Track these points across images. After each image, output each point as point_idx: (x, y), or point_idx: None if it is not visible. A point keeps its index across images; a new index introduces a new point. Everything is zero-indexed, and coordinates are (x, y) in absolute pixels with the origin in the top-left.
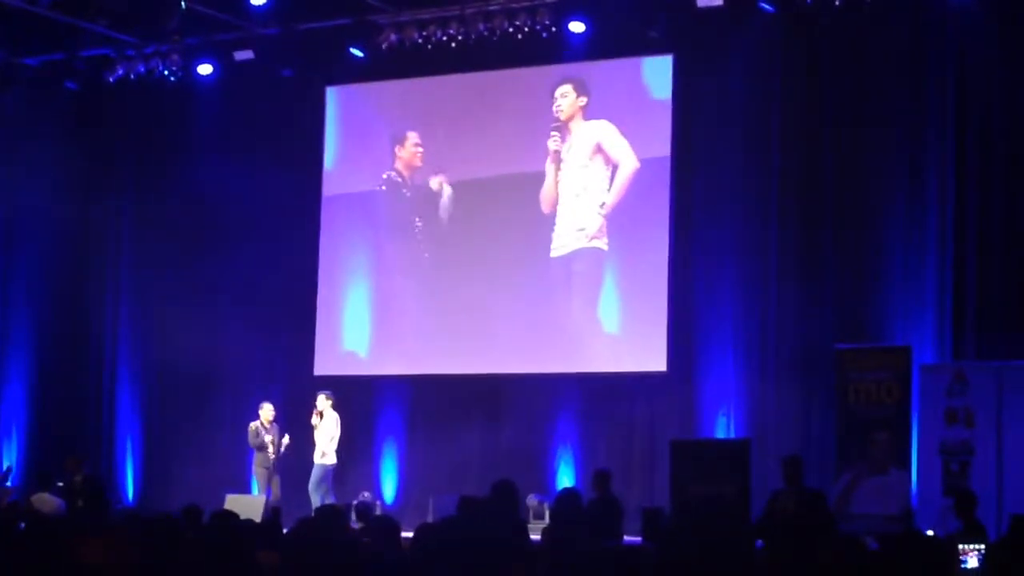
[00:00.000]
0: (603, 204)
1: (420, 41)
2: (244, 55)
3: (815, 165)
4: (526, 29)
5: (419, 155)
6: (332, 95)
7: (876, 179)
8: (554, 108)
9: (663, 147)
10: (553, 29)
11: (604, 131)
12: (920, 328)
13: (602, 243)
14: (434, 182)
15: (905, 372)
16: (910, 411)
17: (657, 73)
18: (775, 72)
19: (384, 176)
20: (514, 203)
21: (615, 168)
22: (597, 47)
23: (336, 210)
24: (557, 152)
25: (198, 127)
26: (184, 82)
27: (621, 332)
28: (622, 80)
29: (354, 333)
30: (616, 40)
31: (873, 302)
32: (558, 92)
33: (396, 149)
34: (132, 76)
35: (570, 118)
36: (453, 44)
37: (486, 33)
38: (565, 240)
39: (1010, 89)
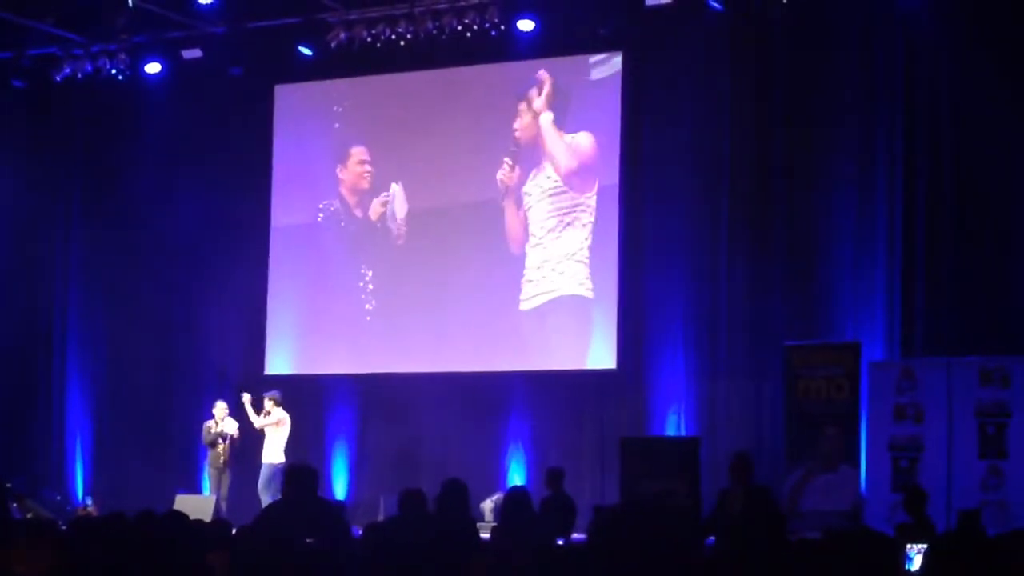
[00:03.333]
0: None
1: (369, 40)
2: (192, 54)
3: (765, 162)
4: (475, 27)
5: (366, 175)
6: (281, 94)
7: (825, 176)
8: (515, 128)
9: (613, 145)
10: (502, 27)
11: (583, 148)
12: (869, 325)
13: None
14: (378, 203)
15: (854, 369)
16: (859, 407)
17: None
18: (724, 70)
19: (320, 205)
20: (470, 210)
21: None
22: (546, 45)
23: (287, 212)
24: (503, 182)
25: (147, 125)
26: (132, 81)
27: (571, 329)
28: (579, 83)
29: (305, 332)
30: (565, 38)
31: (822, 299)
32: (518, 112)
33: (338, 170)
34: (79, 75)
35: (532, 140)
36: (402, 43)
37: (435, 31)
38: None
39: (959, 86)
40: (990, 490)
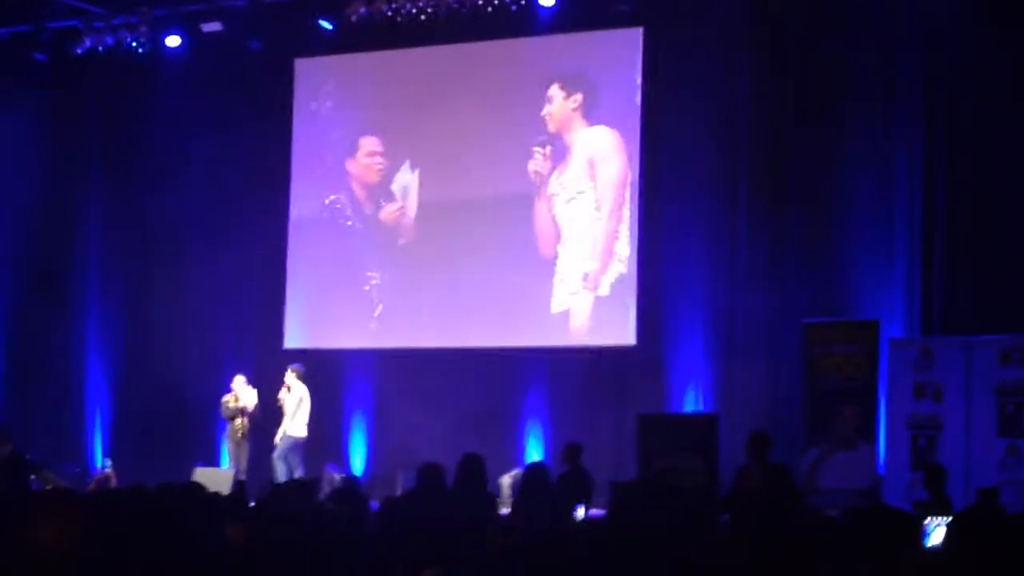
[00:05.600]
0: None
1: (390, 14)
2: (212, 27)
3: (784, 140)
4: (496, 2)
5: (376, 167)
6: (301, 67)
7: (844, 153)
8: (543, 114)
9: (631, 123)
10: (522, 2)
11: (602, 142)
12: (888, 302)
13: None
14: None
15: (873, 346)
16: (878, 385)
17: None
18: (743, 47)
19: (327, 201)
20: (491, 202)
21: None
22: (567, 21)
23: (307, 185)
24: (539, 173)
25: (166, 99)
26: (152, 54)
27: (590, 306)
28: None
29: (324, 306)
30: (585, 13)
31: (841, 276)
32: (548, 97)
33: (347, 163)
34: (100, 48)
35: (563, 127)
36: (423, 17)
37: (456, 6)
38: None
39: (979, 65)
40: (1008, 469)
